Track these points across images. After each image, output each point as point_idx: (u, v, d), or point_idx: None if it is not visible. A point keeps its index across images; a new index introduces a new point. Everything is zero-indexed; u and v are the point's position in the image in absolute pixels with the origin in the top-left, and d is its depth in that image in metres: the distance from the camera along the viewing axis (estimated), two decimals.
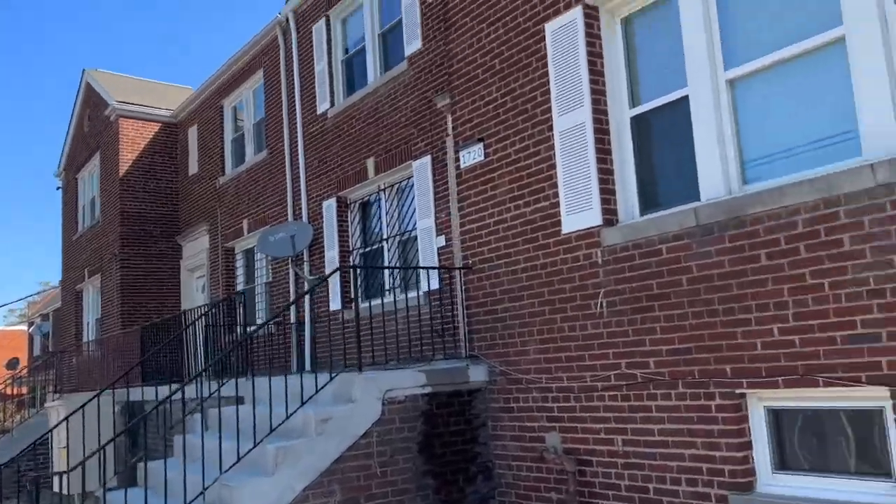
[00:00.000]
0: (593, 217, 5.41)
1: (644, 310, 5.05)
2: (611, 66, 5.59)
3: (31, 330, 39.33)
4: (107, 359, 14.76)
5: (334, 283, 11.15)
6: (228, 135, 15.05)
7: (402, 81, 9.87)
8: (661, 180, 5.35)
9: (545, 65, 5.87)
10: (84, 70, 18.97)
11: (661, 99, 5.30)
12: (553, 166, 5.77)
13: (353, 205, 11.23)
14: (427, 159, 9.32)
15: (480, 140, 6.50)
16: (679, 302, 4.83)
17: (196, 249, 15.76)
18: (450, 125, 8.41)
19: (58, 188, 21.14)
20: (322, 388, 5.68)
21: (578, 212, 5.52)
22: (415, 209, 9.83)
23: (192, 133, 16.27)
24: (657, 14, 5.40)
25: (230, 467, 5.30)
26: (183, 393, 6.20)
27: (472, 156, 6.58)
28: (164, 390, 8.98)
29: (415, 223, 9.85)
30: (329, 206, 11.31)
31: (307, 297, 11.78)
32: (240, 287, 14.50)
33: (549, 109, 5.83)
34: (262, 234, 11.56)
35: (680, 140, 5.18)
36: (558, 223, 5.71)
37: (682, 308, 4.81)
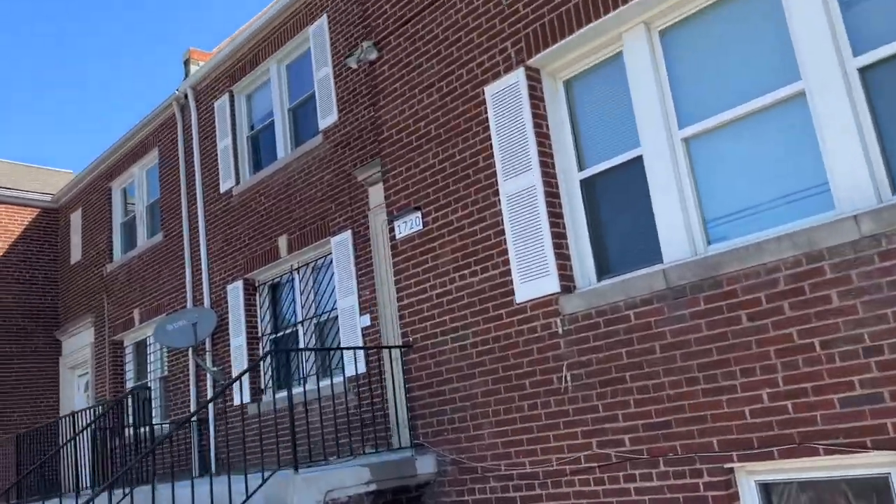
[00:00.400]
0: (550, 284, 5.06)
1: (614, 381, 4.67)
2: (556, 128, 5.39)
3: None
4: None
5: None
6: (117, 219, 13.96)
7: (316, 156, 9.42)
8: (617, 243, 5.10)
9: (486, 129, 5.61)
10: None
11: (612, 160, 5.11)
12: (501, 232, 5.43)
13: (261, 287, 10.46)
14: (347, 234, 8.81)
15: (418, 208, 6.09)
16: (653, 371, 4.49)
17: (78, 344, 14.25)
18: (378, 196, 8.00)
19: None
20: (252, 494, 4.88)
21: (533, 279, 5.16)
22: (334, 288, 9.23)
23: (76, 218, 15.01)
24: (600, 76, 5.29)
25: None
26: None
27: (409, 225, 6.15)
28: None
29: (334, 303, 9.22)
30: (235, 290, 10.48)
31: (209, 392, 10.73)
32: (129, 384, 13.13)
33: (493, 174, 5.54)
34: (159, 323, 10.52)
35: (634, 201, 4.98)
36: (510, 292, 5.32)
37: (657, 377, 4.47)
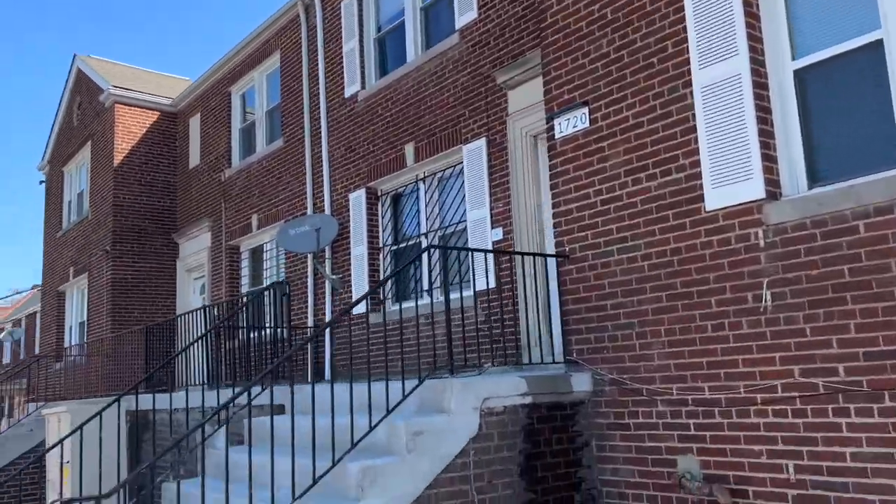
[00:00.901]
0: (752, 189, 4.39)
1: (830, 302, 4.03)
2: (767, 8, 4.61)
3: (1, 337, 37.44)
4: (101, 364, 13.43)
5: (359, 283, 10.03)
6: (236, 124, 13.90)
7: (450, 57, 8.84)
8: (837, 146, 4.35)
9: (679, 9, 4.88)
10: (75, 56, 17.73)
11: (838, 47, 4.32)
12: (691, 130, 4.76)
13: (384, 197, 10.14)
14: (481, 142, 8.28)
15: (584, 104, 5.47)
16: (886, 292, 3.82)
17: (195, 248, 14.52)
18: (519, 101, 7.37)
19: (41, 182, 19.76)
20: (408, 395, 4.56)
21: (729, 183, 4.50)
22: (462, 199, 8.78)
23: (195, 123, 15.09)
24: None
25: (305, 492, 4.14)
26: (212, 398, 5.03)
27: (573, 123, 5.55)
28: (179, 398, 7.80)
29: (462, 215, 8.79)
30: (357, 198, 10.20)
31: (328, 300, 10.64)
32: (244, 289, 13.30)
33: (684, 62, 4.83)
34: (282, 228, 10.41)
35: (866, 96, 4.20)
36: (698, 199, 4.69)
37: (890, 299, 3.80)
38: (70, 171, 18.04)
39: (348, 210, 10.39)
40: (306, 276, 11.07)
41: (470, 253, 8.28)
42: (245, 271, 13.33)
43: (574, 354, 5.42)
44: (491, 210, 8.11)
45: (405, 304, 9.51)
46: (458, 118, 8.66)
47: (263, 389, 5.96)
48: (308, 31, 11.62)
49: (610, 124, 5.30)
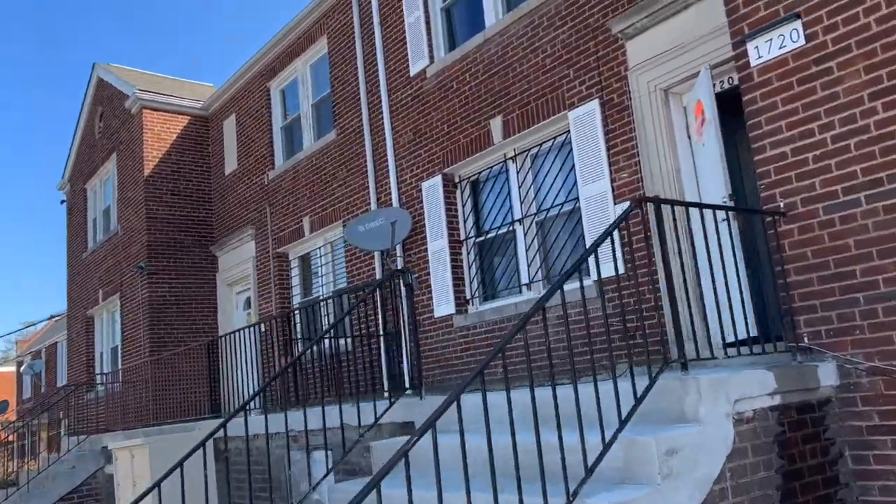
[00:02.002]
0: None
1: None
2: None
3: (21, 370, 36.33)
4: (148, 389, 12.22)
5: (440, 282, 8.82)
6: (277, 122, 12.76)
7: (544, 13, 7.66)
8: None
9: None
10: (94, 64, 16.70)
11: None
12: None
13: (462, 183, 8.94)
14: (593, 105, 7.08)
15: (796, 16, 4.26)
16: None
17: (237, 259, 13.35)
18: (641, 51, 6.14)
19: (62, 202, 18.69)
20: (642, 397, 3.32)
21: None
22: (569, 174, 7.58)
23: (229, 125, 13.97)
24: None
25: None
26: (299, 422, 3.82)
27: (778, 44, 4.33)
28: (276, 420, 6.55)
29: (567, 193, 7.59)
30: (432, 187, 9.00)
31: (405, 302, 9.41)
32: (296, 300, 12.11)
33: None
34: (350, 225, 9.22)
35: None
36: None
37: None
38: (93, 186, 16.95)
39: (421, 202, 9.20)
40: (375, 278, 9.85)
41: (581, 234, 7.05)
42: (295, 280, 12.15)
43: (806, 339, 4.17)
44: (612, 182, 6.90)
45: (497, 303, 8.30)
46: (560, 81, 7.47)
47: (392, 404, 4.75)
48: (360, 9, 10.49)
49: (839, 37, 4.08)
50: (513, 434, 3.08)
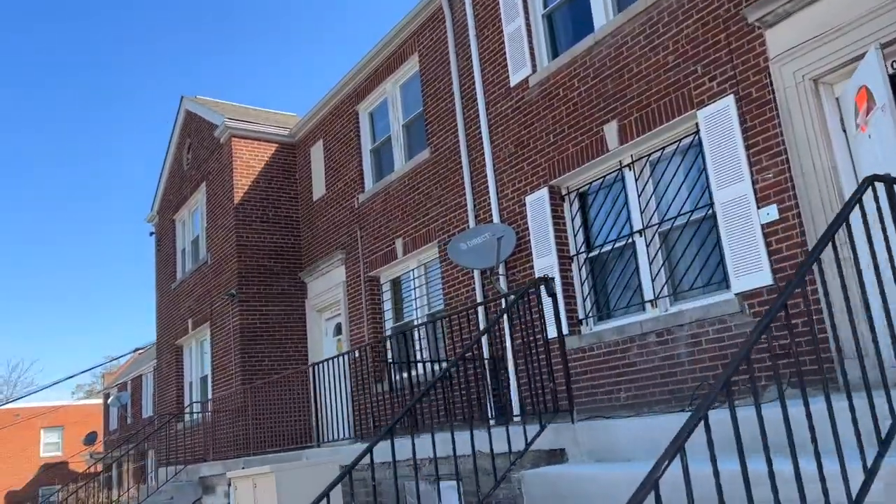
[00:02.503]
0: None
1: None
2: None
3: (109, 401, 37.26)
4: (248, 417, 12.01)
5: (549, 301, 8.22)
6: (366, 144, 12.56)
7: (665, 7, 7.14)
8: None
9: None
10: (182, 97, 17.01)
11: None
12: None
13: (570, 195, 8.40)
14: (727, 101, 6.47)
15: None
16: None
17: (326, 285, 13.11)
18: (784, 39, 5.50)
19: (151, 234, 19.02)
20: None
21: None
22: (698, 179, 6.96)
23: (317, 151, 13.87)
24: None
25: None
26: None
27: None
28: (384, 447, 6.09)
29: (698, 200, 6.96)
30: (537, 201, 8.50)
31: (507, 325, 8.87)
32: (388, 324, 11.72)
33: None
34: (453, 243, 8.78)
35: None
36: None
37: None
38: (182, 217, 17.16)
39: (524, 217, 8.69)
40: (474, 300, 9.37)
41: (719, 241, 6.38)
42: (388, 305, 11.78)
43: None
44: (754, 183, 6.24)
45: (616, 322, 7.66)
46: (685, 79, 6.90)
47: (543, 428, 4.21)
48: (455, 23, 10.19)
49: None
50: (768, 461, 2.46)
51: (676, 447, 2.19)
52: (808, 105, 5.85)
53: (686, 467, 2.27)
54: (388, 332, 11.49)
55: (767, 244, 6.11)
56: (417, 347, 10.62)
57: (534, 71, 8.78)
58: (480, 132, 9.50)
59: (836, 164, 5.74)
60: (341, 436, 9.88)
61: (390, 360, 8.63)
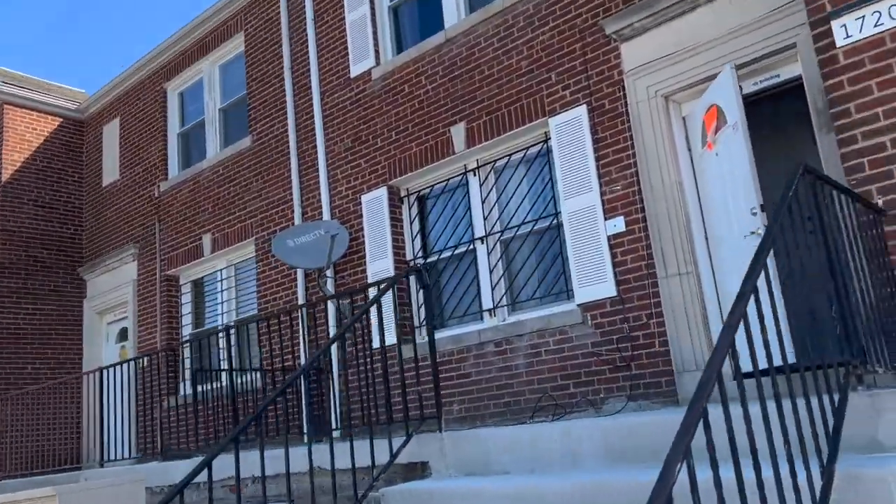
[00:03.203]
0: None
1: None
2: None
3: None
4: (5, 434, 9.97)
5: (383, 308, 7.71)
6: (174, 127, 11.25)
7: (521, 12, 7.02)
8: None
9: None
10: None
11: None
12: None
13: (409, 198, 7.99)
14: (579, 111, 6.44)
15: None
16: None
17: (113, 283, 11.48)
18: (638, 55, 5.55)
19: None
20: (840, 418, 2.49)
21: None
22: (545, 188, 6.87)
23: (111, 130, 12.21)
24: None
25: None
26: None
27: (872, 21, 3.85)
28: (185, 466, 5.12)
29: (544, 209, 6.86)
30: (375, 201, 7.98)
31: (332, 331, 8.19)
32: (186, 330, 10.48)
33: None
34: (278, 238, 7.93)
35: None
36: None
37: None
38: None
39: (360, 216, 8.13)
40: (296, 302, 8.58)
41: (563, 251, 6.29)
42: (187, 308, 10.52)
43: None
44: (602, 195, 6.23)
45: (453, 331, 7.32)
46: (538, 85, 6.79)
47: (410, 437, 3.64)
48: (289, 6, 9.42)
49: None
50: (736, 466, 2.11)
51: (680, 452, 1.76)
52: (659, 120, 5.95)
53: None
54: (187, 339, 10.25)
55: (613, 255, 6.10)
56: (223, 356, 9.53)
57: (377, 63, 8.29)
58: (314, 123, 8.80)
59: (681, 181, 5.87)
60: (123, 455, 8.54)
61: (199, 368, 7.56)
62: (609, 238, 6.14)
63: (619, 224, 6.09)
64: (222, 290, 10.00)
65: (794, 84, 5.54)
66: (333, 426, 7.72)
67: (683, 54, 5.83)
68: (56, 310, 11.73)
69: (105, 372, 8.34)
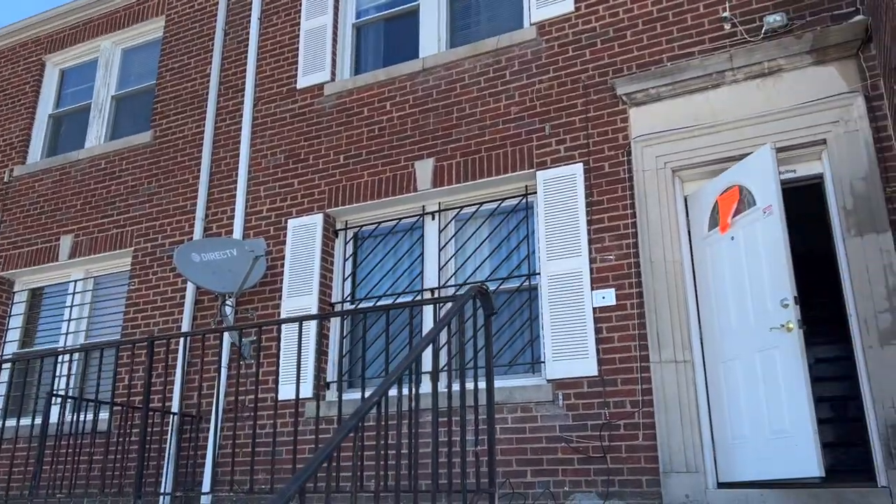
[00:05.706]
0: None
1: None
2: None
3: None
4: None
5: (294, 353, 6.51)
6: (46, 107, 9.45)
7: (517, 56, 6.50)
8: None
9: None
10: None
11: None
12: None
13: (346, 231, 6.98)
14: (576, 169, 5.91)
15: None
16: None
17: None
18: (648, 122, 5.21)
19: None
20: None
21: None
22: (518, 246, 6.19)
23: None
24: None
25: None
26: None
27: None
28: None
29: (514, 269, 6.14)
30: (305, 228, 6.88)
31: (223, 374, 6.76)
32: (8, 348, 8.43)
33: None
34: (182, 250, 6.47)
35: None
36: None
37: None
38: None
39: (282, 242, 6.96)
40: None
41: (538, 316, 5.57)
42: (16, 321, 8.50)
43: None
44: (592, 262, 5.63)
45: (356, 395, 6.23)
46: (529, 134, 6.22)
47: None
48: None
49: None
50: None
51: None
52: (666, 193, 5.54)
53: None
54: (12, 357, 8.20)
55: (598, 330, 5.47)
56: (59, 385, 7.65)
57: (332, 79, 7.37)
58: (240, 129, 7.61)
59: (681, 259, 5.43)
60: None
61: (51, 394, 5.78)
62: (595, 310, 5.51)
63: (608, 296, 5.49)
64: (72, 306, 8.16)
65: (808, 183, 5.37)
66: (205, 488, 6.27)
67: (701, 130, 5.52)
68: None
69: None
